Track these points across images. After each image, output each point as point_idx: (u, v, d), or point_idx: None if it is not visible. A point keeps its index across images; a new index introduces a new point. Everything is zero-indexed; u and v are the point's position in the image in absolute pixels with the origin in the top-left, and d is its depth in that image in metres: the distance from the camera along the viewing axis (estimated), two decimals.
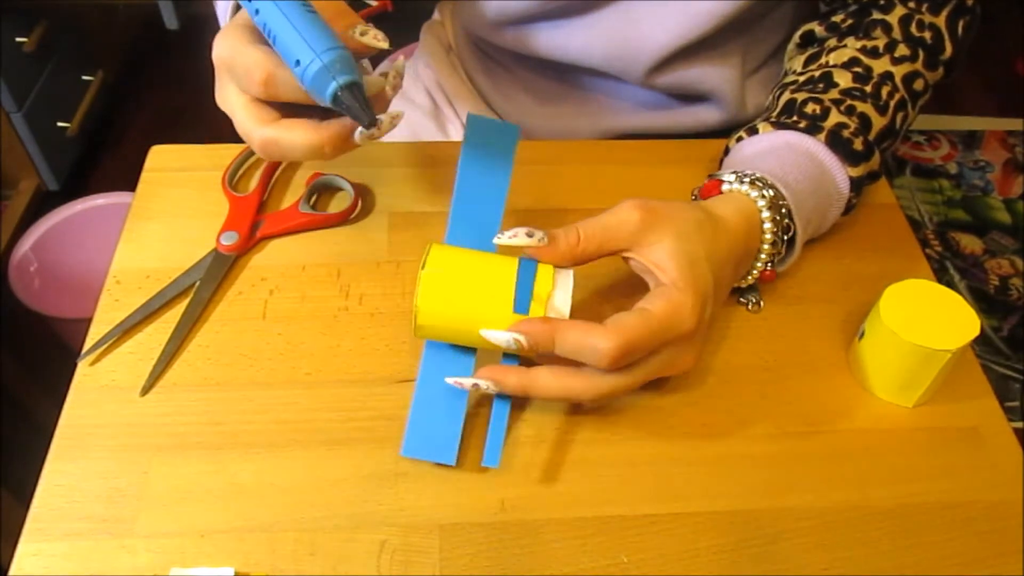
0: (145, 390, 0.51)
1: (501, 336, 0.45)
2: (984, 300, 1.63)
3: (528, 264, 0.46)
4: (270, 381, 0.52)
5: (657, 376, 0.48)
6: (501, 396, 0.48)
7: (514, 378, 0.46)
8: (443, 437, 0.48)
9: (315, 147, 0.45)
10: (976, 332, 0.49)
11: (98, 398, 0.51)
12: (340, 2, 0.47)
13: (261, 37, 0.45)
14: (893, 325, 0.49)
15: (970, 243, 1.73)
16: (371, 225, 0.61)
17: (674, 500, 0.48)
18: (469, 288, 0.45)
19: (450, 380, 0.46)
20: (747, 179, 0.52)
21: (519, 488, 0.48)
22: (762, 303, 0.56)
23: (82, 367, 0.52)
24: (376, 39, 0.45)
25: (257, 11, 0.43)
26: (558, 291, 0.46)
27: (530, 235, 0.46)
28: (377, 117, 0.43)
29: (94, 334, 0.53)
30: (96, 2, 1.81)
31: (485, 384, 0.46)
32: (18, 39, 1.51)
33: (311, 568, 0.44)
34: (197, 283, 0.56)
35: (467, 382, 0.46)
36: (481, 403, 0.51)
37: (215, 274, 0.56)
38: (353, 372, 0.52)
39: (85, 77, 1.74)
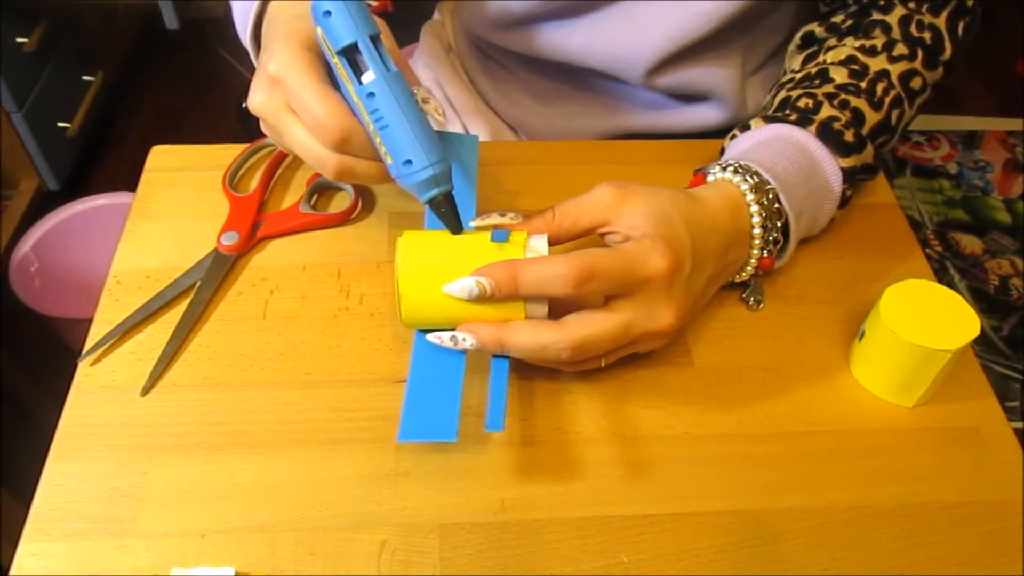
0: (145, 390, 0.51)
1: (464, 283, 0.45)
2: (984, 300, 1.63)
3: (500, 234, 0.47)
4: (270, 381, 0.52)
5: (636, 331, 0.47)
6: (498, 364, 0.48)
7: (489, 329, 0.46)
8: (441, 415, 0.46)
9: (386, 176, 0.48)
10: (976, 332, 0.49)
11: (98, 398, 0.51)
12: (384, 27, 0.49)
13: (324, 65, 0.47)
14: (893, 325, 0.49)
15: (970, 243, 1.73)
16: (371, 225, 0.61)
17: (674, 500, 0.48)
18: (446, 264, 0.46)
19: (430, 336, 0.47)
20: (730, 168, 0.53)
21: (519, 488, 0.48)
22: (763, 302, 0.56)
23: (82, 367, 0.52)
24: (437, 111, 0.48)
25: (371, 94, 0.45)
26: (533, 238, 0.47)
27: (502, 215, 0.47)
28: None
29: (94, 334, 0.53)
30: (96, 2, 1.81)
31: (462, 336, 0.46)
32: (18, 39, 1.51)
33: (311, 568, 0.44)
34: (197, 283, 0.56)
35: (445, 336, 0.47)
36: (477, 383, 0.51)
37: (215, 274, 0.56)
38: (353, 372, 0.52)
39: (85, 77, 1.74)
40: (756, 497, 0.48)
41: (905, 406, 0.52)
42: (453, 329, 0.47)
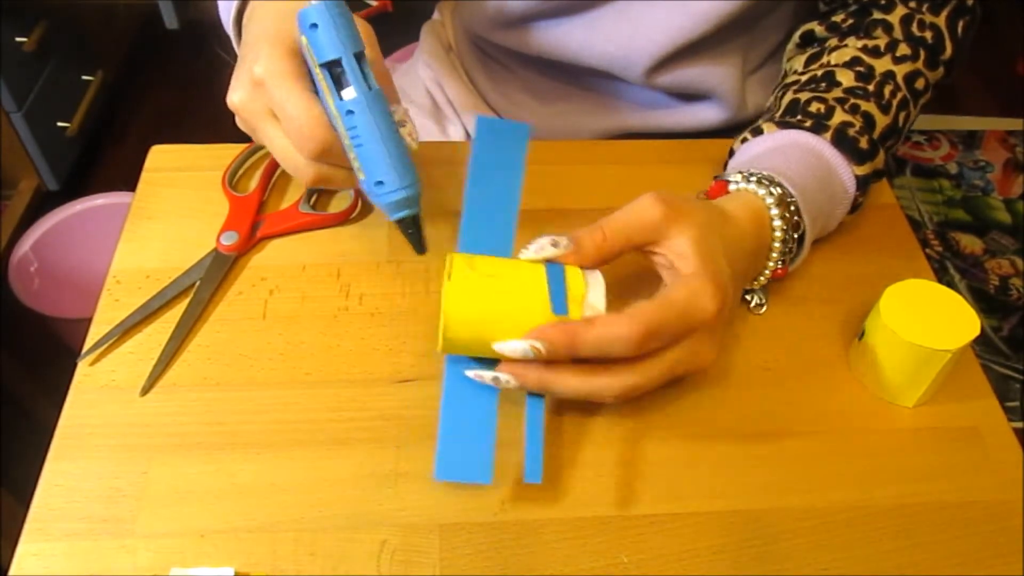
0: (145, 390, 0.51)
1: (517, 346, 0.43)
2: (984, 300, 1.63)
3: (556, 268, 0.45)
4: (270, 381, 0.52)
5: (680, 370, 0.47)
6: (533, 407, 0.46)
7: (535, 374, 0.44)
8: (476, 456, 0.45)
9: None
10: (976, 332, 0.49)
11: (98, 398, 0.51)
12: (371, 35, 0.49)
13: (307, 72, 0.48)
14: (893, 325, 0.49)
15: (970, 243, 1.73)
16: (371, 225, 0.61)
17: (674, 500, 0.48)
18: (498, 297, 0.44)
19: (470, 373, 0.45)
20: (754, 178, 0.52)
21: (519, 488, 0.48)
22: (765, 305, 0.56)
23: (82, 367, 0.52)
24: (411, 135, 0.49)
25: (351, 112, 0.46)
26: (592, 291, 0.45)
27: (555, 245, 0.45)
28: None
29: (94, 334, 0.53)
30: (96, 2, 1.81)
31: (505, 378, 0.44)
32: (18, 39, 1.51)
33: (311, 568, 0.44)
34: (197, 283, 0.56)
35: (487, 375, 0.45)
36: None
37: (215, 274, 0.56)
38: (353, 372, 0.52)
39: (85, 77, 1.74)
40: (756, 497, 0.48)
41: (905, 406, 0.52)
42: (493, 365, 0.45)
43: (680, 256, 0.46)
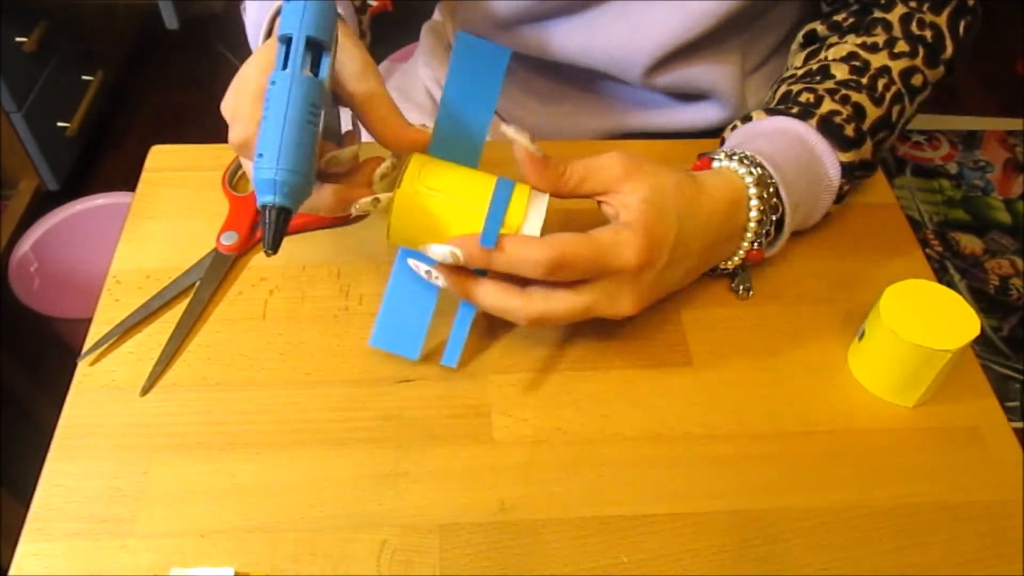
0: (145, 390, 0.51)
1: (440, 249, 0.46)
2: (984, 300, 1.63)
3: (504, 190, 0.47)
4: (270, 381, 0.52)
5: (595, 311, 0.48)
6: (466, 307, 0.51)
7: (460, 279, 0.48)
8: (409, 333, 0.51)
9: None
10: (976, 332, 0.49)
11: (98, 398, 0.51)
12: (368, 65, 0.48)
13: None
14: (893, 325, 0.49)
15: (970, 243, 1.73)
16: (371, 225, 0.61)
17: (674, 500, 0.48)
18: (438, 211, 0.47)
19: (410, 261, 0.48)
20: (736, 157, 0.53)
21: (519, 488, 0.48)
22: (752, 290, 0.56)
23: (82, 367, 0.52)
24: (347, 159, 0.47)
25: (274, 82, 0.44)
26: (528, 223, 0.47)
27: (533, 142, 0.47)
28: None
29: (94, 334, 0.53)
30: (96, 2, 1.81)
31: (435, 275, 0.48)
32: (18, 39, 1.51)
33: (311, 568, 0.44)
34: (197, 283, 0.56)
35: (422, 267, 0.48)
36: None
37: (215, 274, 0.56)
38: (353, 372, 0.52)
39: (85, 77, 1.74)
40: (756, 497, 0.48)
41: (905, 406, 0.52)
42: (432, 260, 0.47)
43: (624, 207, 0.48)
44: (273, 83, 0.44)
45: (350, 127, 0.50)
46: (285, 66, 0.44)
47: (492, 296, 0.48)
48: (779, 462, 0.49)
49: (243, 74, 0.48)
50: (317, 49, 0.45)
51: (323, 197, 0.47)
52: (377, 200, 0.47)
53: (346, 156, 0.47)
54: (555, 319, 0.48)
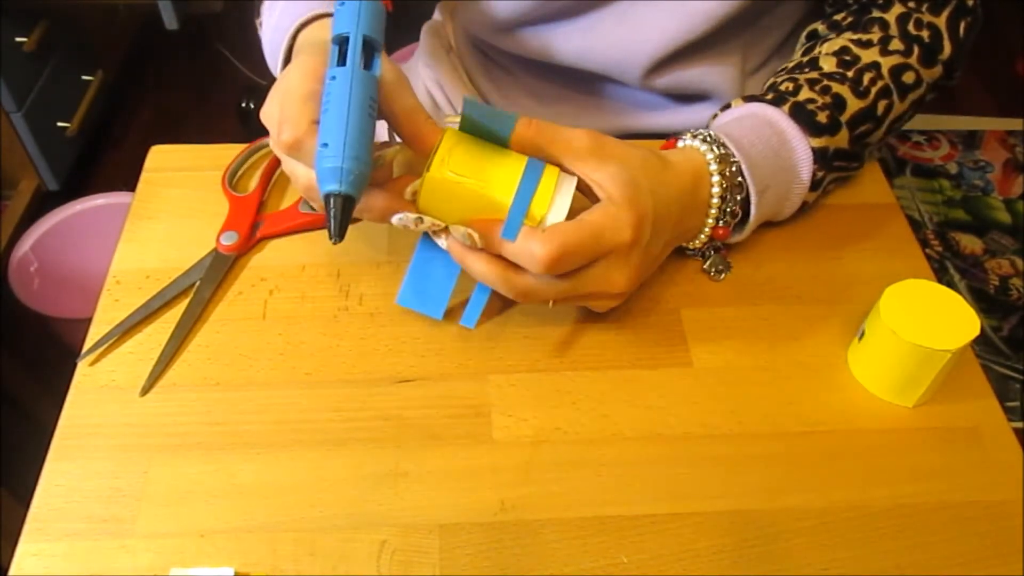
0: (145, 390, 0.51)
1: (459, 230, 0.47)
2: (984, 300, 1.63)
3: (533, 172, 0.48)
4: (270, 381, 0.52)
5: (588, 289, 0.49)
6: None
7: (458, 248, 0.49)
8: (435, 293, 0.52)
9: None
10: (976, 332, 0.49)
11: (98, 398, 0.51)
12: (403, 78, 0.49)
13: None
14: (893, 325, 0.49)
15: (970, 243, 1.73)
16: (371, 225, 0.61)
17: (674, 500, 0.48)
18: (462, 198, 0.47)
19: (393, 219, 0.48)
20: (699, 136, 0.54)
21: (519, 488, 0.48)
22: (725, 273, 0.57)
23: (82, 367, 0.52)
24: (389, 153, 0.49)
25: (334, 77, 0.45)
26: (554, 208, 0.47)
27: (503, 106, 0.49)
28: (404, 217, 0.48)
29: (94, 334, 0.53)
30: (96, 2, 1.81)
31: (441, 240, 0.49)
32: (18, 39, 1.51)
33: (311, 568, 0.44)
34: (197, 283, 0.56)
35: (430, 226, 0.48)
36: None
37: (215, 274, 0.56)
38: (353, 372, 0.52)
39: (85, 77, 1.74)
40: (756, 497, 0.48)
41: (905, 406, 0.52)
42: (446, 226, 0.49)
43: (599, 185, 0.48)
44: (333, 78, 0.45)
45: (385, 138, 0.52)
46: (342, 64, 0.45)
47: (484, 268, 0.49)
48: (779, 462, 0.49)
49: (286, 82, 0.49)
50: (369, 49, 0.47)
51: (371, 200, 0.48)
52: (420, 220, 0.48)
53: (389, 156, 0.49)
54: (546, 297, 0.49)
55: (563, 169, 0.49)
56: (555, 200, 0.48)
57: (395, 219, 0.48)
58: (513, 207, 0.47)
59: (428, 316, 0.52)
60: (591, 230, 0.47)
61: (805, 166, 0.57)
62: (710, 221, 0.55)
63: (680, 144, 0.55)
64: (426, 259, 0.52)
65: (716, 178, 0.53)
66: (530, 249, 0.46)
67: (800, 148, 0.56)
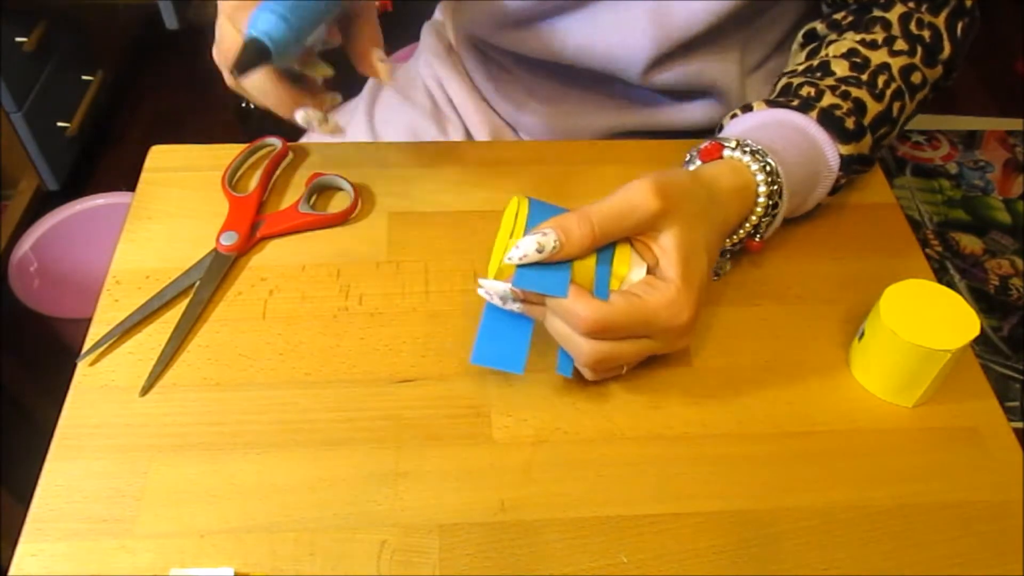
0: (145, 390, 0.51)
1: (500, 286, 0.47)
2: (984, 300, 1.63)
3: (604, 262, 0.47)
4: (270, 381, 0.52)
5: (649, 352, 0.49)
6: None
7: (539, 310, 0.48)
8: (511, 348, 0.49)
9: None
10: (976, 332, 0.49)
11: (98, 398, 0.51)
12: (373, 15, 0.52)
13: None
14: (893, 325, 0.49)
15: (970, 243, 1.73)
16: (371, 225, 0.61)
17: (674, 500, 0.48)
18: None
19: (483, 281, 0.48)
20: (748, 149, 0.53)
21: (519, 488, 0.48)
22: (721, 272, 0.57)
23: (82, 367, 0.52)
24: (326, 114, 0.52)
25: None
26: (634, 271, 0.48)
27: (540, 250, 0.45)
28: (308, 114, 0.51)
29: (94, 334, 0.53)
30: (96, 2, 1.81)
31: (516, 305, 0.48)
32: (18, 39, 1.50)
33: (311, 568, 0.44)
34: (197, 283, 0.56)
35: (495, 295, 0.48)
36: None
37: (215, 274, 0.56)
38: (353, 372, 0.52)
39: (85, 77, 1.74)
40: (756, 497, 0.48)
41: (905, 406, 0.52)
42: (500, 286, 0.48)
43: (663, 250, 0.47)
44: None
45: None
46: None
47: (558, 328, 0.48)
48: (779, 462, 0.49)
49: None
50: None
51: (277, 87, 0.51)
52: (325, 121, 0.50)
53: (321, 70, 0.52)
54: (610, 363, 0.48)
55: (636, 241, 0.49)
56: (634, 257, 0.48)
57: (299, 115, 0.51)
58: (599, 268, 0.47)
59: (508, 370, 0.49)
60: (646, 313, 0.46)
61: (833, 172, 0.57)
62: (741, 233, 0.54)
63: (726, 154, 0.53)
64: (496, 317, 0.49)
65: (762, 199, 0.52)
66: (574, 308, 0.45)
67: (831, 155, 0.56)
